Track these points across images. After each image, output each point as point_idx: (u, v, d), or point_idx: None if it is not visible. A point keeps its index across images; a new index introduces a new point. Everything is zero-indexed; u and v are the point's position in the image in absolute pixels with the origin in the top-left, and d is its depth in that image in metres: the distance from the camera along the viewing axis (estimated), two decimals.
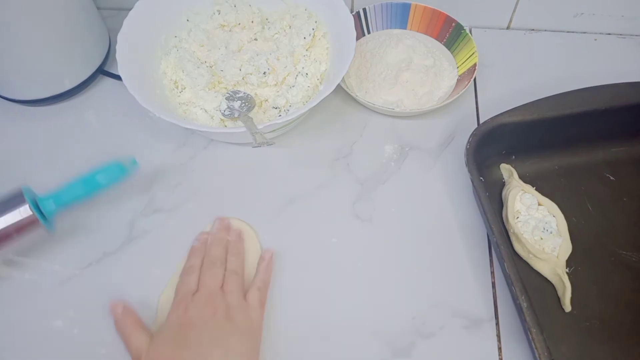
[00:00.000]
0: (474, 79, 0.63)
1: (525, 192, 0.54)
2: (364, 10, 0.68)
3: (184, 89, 0.61)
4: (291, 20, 0.64)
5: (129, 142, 0.62)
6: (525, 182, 0.56)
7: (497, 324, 0.50)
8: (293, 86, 0.60)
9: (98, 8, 0.66)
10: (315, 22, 0.62)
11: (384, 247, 0.54)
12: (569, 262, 0.52)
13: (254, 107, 0.58)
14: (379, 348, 0.48)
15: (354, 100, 0.63)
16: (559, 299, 0.50)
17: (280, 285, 0.52)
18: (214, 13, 0.65)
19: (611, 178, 0.57)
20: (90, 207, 0.57)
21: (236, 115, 0.57)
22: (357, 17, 0.67)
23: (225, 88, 0.62)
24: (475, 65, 0.63)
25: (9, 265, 0.54)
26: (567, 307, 0.49)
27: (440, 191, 0.58)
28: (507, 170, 0.57)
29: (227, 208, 0.57)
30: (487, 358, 0.48)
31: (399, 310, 0.50)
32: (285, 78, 0.61)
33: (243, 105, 0.58)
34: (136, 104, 0.53)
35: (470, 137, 0.53)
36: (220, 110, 0.58)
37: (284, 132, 0.60)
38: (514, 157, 0.58)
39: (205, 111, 0.59)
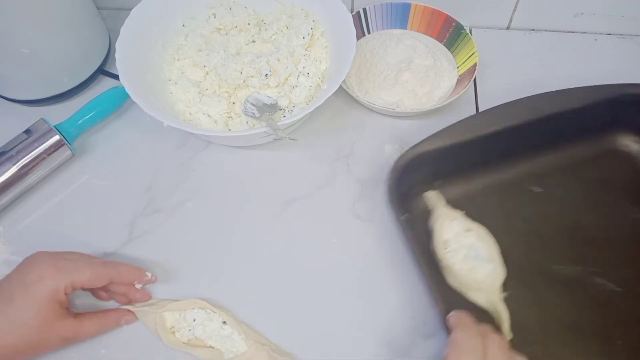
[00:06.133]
0: (474, 79, 0.63)
1: (452, 219, 0.51)
2: (364, 10, 0.68)
3: (187, 93, 0.61)
4: (288, 20, 0.64)
5: (129, 142, 0.62)
6: (453, 205, 0.53)
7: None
8: (296, 86, 0.60)
9: (98, 8, 0.66)
10: (313, 21, 0.62)
11: (384, 247, 0.54)
12: (504, 286, 0.49)
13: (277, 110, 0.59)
14: (379, 348, 0.48)
15: (354, 100, 0.63)
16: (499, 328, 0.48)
17: (279, 286, 0.52)
18: (210, 17, 0.64)
19: (537, 190, 0.56)
20: (90, 206, 0.57)
21: (258, 116, 0.57)
22: (357, 17, 0.67)
23: (227, 92, 0.61)
24: (475, 65, 0.63)
25: (9, 265, 0.54)
26: (508, 335, 0.47)
27: None
28: (431, 198, 0.54)
29: (227, 208, 0.57)
30: None
31: (399, 310, 0.50)
32: (287, 79, 0.61)
33: (267, 108, 0.58)
34: (135, 104, 0.53)
35: (389, 173, 0.52)
36: (243, 110, 0.59)
37: (287, 133, 0.60)
38: (439, 181, 0.56)
39: (209, 116, 0.59)
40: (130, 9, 0.60)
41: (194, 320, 0.48)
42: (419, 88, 0.63)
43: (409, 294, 0.51)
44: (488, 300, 0.48)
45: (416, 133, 0.62)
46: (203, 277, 0.53)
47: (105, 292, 0.51)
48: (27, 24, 0.56)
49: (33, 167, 0.56)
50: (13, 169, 0.55)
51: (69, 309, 0.47)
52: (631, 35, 0.72)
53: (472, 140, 0.53)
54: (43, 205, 0.58)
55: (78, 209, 0.57)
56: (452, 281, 0.50)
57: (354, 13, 0.66)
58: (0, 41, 0.56)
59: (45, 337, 0.45)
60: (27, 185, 0.56)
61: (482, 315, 0.48)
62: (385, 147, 0.61)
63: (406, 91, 0.63)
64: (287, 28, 0.64)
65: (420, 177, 0.55)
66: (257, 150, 0.61)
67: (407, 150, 0.53)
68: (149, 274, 0.50)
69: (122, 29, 0.58)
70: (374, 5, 0.68)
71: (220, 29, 0.65)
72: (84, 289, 0.48)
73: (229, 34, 0.64)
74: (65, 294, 0.45)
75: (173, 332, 0.49)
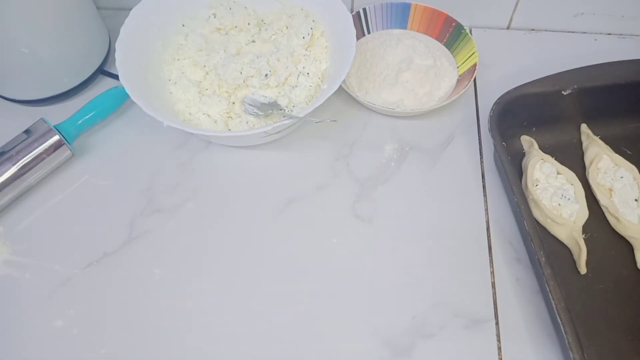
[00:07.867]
0: (474, 79, 0.63)
1: (545, 161, 0.56)
2: (364, 10, 0.68)
3: (187, 93, 0.61)
4: (288, 20, 0.64)
5: (128, 142, 0.62)
6: (544, 153, 0.57)
7: (497, 323, 0.50)
8: (296, 86, 0.60)
9: (98, 8, 0.66)
10: (313, 21, 0.62)
11: (384, 247, 0.54)
12: (585, 229, 0.53)
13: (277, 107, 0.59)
14: (379, 348, 0.48)
15: (354, 100, 0.63)
16: (574, 263, 0.52)
17: (280, 286, 0.52)
18: (210, 17, 0.64)
19: (628, 152, 0.58)
20: (90, 207, 0.57)
21: (261, 114, 0.58)
22: (357, 17, 0.67)
23: (227, 92, 0.62)
24: (475, 65, 0.63)
25: (9, 265, 0.54)
26: (583, 269, 0.51)
27: (440, 191, 0.58)
28: (527, 141, 0.58)
29: (227, 208, 0.57)
30: (487, 358, 0.48)
31: (399, 310, 0.50)
32: (287, 79, 0.61)
33: (267, 107, 0.59)
34: (135, 104, 0.53)
35: (493, 105, 0.55)
36: (244, 110, 0.59)
37: (287, 133, 0.60)
38: (534, 129, 0.59)
39: (208, 116, 0.59)
40: (130, 9, 0.60)
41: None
42: (419, 88, 0.63)
43: (409, 294, 0.51)
44: (569, 235, 0.52)
45: (416, 133, 0.62)
46: (203, 276, 0.53)
47: None
48: (27, 24, 0.55)
49: (33, 167, 0.56)
50: (13, 169, 0.55)
51: None
52: (631, 35, 0.72)
53: (573, 92, 0.55)
54: (43, 205, 0.58)
55: (78, 209, 0.57)
56: (537, 214, 0.53)
57: (354, 13, 0.66)
58: (0, 41, 0.56)
59: None
60: (27, 185, 0.57)
61: (561, 250, 0.52)
62: (385, 147, 0.61)
63: (406, 91, 0.63)
64: (287, 28, 0.64)
65: (518, 120, 0.58)
66: (257, 150, 0.61)
67: (511, 89, 0.55)
68: None
69: (122, 29, 0.58)
70: (374, 5, 0.68)
71: (220, 28, 0.65)
72: None
73: (229, 34, 0.64)
74: None
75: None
